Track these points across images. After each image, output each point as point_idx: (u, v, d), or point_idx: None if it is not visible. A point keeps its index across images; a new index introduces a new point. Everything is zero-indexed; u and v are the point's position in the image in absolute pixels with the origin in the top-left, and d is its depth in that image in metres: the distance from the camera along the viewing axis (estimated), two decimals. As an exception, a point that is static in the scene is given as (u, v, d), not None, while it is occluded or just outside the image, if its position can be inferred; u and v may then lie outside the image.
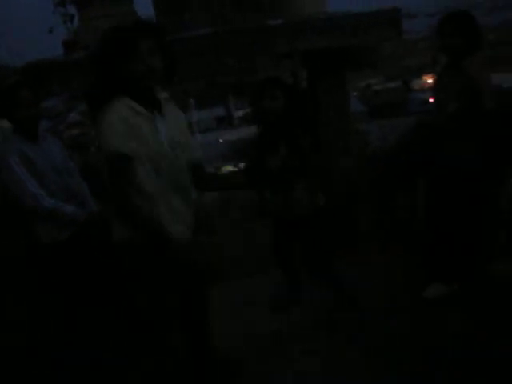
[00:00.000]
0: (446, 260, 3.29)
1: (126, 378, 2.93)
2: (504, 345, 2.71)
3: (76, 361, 2.95)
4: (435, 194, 3.17)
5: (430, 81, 28.52)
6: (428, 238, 3.40)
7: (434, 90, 3.26)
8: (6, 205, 3.40)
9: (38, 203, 2.87)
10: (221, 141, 38.07)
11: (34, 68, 4.47)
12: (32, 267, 3.31)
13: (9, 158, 2.96)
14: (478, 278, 3.25)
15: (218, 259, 4.81)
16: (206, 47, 4.15)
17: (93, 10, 5.42)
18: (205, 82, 4.24)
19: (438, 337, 2.89)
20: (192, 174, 2.48)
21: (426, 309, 3.15)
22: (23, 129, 3.11)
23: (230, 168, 30.25)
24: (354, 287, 3.46)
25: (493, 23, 63.36)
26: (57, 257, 3.01)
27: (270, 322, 3.46)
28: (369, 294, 3.45)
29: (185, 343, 2.53)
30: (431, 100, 3.29)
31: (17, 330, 3.29)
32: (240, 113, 47.17)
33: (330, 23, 4.34)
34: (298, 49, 4.19)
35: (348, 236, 4.40)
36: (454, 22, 3.10)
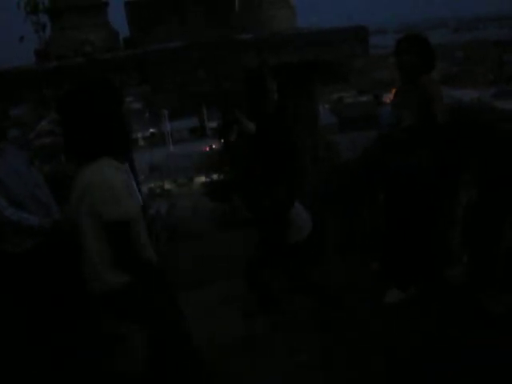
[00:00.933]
0: (401, 266, 3.46)
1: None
2: (459, 345, 2.86)
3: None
4: (392, 203, 3.34)
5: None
6: (386, 245, 3.58)
7: (392, 104, 3.45)
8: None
9: (1, 214, 2.85)
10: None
11: (3, 76, 4.47)
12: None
13: None
14: (433, 283, 3.41)
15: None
16: (177, 60, 4.24)
17: (66, 20, 5.43)
18: (178, 93, 4.31)
19: (402, 337, 3.03)
20: None
21: (388, 312, 3.29)
22: None
23: (202, 179, 30.37)
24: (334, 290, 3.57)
25: (459, 41, 65.53)
26: (21, 266, 3.00)
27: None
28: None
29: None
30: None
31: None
32: (213, 124, 47.39)
33: (299, 38, 4.49)
34: (268, 62, 4.32)
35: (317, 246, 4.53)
36: (410, 43, 3.31)
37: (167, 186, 35.21)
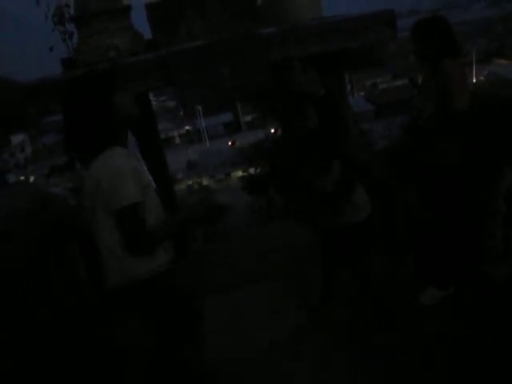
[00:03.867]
0: (440, 264, 3.27)
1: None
2: (501, 346, 2.69)
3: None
4: (425, 197, 3.16)
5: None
6: (421, 241, 3.39)
7: (416, 94, 3.26)
8: None
9: None
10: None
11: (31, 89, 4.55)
12: None
13: None
14: (473, 281, 3.22)
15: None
16: (200, 59, 4.19)
17: (91, 27, 5.48)
18: (210, 89, 4.28)
19: (436, 340, 2.87)
20: None
21: (423, 313, 3.14)
22: None
23: (239, 173, 30.47)
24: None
25: (499, 14, 62.71)
26: None
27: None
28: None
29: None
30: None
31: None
32: (248, 118, 47.38)
33: (324, 28, 4.35)
34: (292, 55, 4.21)
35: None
36: (424, 30, 3.08)
37: (205, 182, 35.55)
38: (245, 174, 24.66)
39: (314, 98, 3.17)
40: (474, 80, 41.58)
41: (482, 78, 42.55)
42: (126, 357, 3.40)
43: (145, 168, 2.39)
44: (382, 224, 4.22)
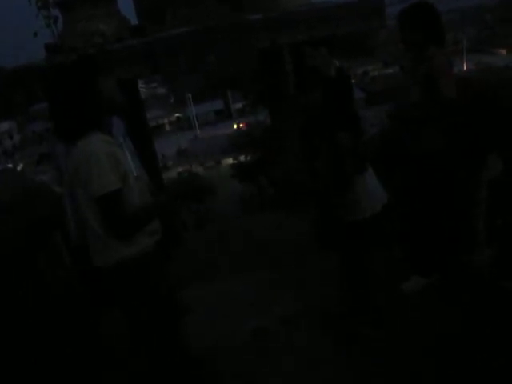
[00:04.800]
0: (422, 252, 3.29)
1: None
2: (486, 335, 2.72)
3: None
4: (409, 184, 3.16)
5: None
6: (405, 230, 3.40)
7: (404, 80, 3.25)
8: None
9: None
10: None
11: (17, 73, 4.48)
12: None
13: None
14: (456, 269, 3.23)
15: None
16: (186, 46, 4.14)
17: (76, 12, 5.39)
18: (201, 76, 4.21)
19: (420, 330, 2.89)
20: None
21: (406, 301, 3.15)
22: None
23: (230, 161, 30.33)
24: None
25: (490, 3, 62.67)
26: None
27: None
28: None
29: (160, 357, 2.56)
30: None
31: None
32: (238, 105, 47.11)
33: (312, 16, 4.32)
34: (279, 42, 4.17)
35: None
36: (411, 16, 3.05)
37: (195, 169, 35.41)
38: (235, 161, 24.59)
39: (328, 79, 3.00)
40: (465, 68, 41.59)
41: (473, 67, 42.58)
42: (110, 344, 3.41)
43: (127, 155, 2.37)
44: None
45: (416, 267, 3.27)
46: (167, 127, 53.26)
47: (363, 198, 2.84)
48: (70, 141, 2.27)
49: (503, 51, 51.62)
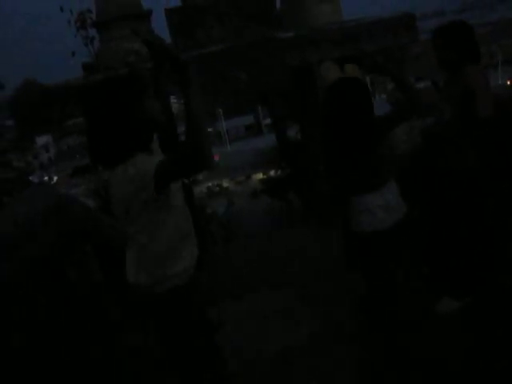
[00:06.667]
0: (455, 273, 3.21)
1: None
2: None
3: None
4: (440, 204, 3.10)
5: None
6: (436, 250, 3.32)
7: (437, 99, 3.22)
8: None
9: None
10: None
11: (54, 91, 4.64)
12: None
13: None
14: (489, 292, 3.13)
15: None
16: (218, 63, 4.22)
17: (112, 32, 5.56)
18: (231, 91, 4.28)
19: (449, 352, 2.82)
20: None
21: (437, 323, 3.07)
22: None
23: (260, 176, 30.45)
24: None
25: (527, 17, 61.40)
26: None
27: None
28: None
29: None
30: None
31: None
32: (268, 120, 47.35)
33: (342, 33, 4.34)
34: (310, 60, 4.20)
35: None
36: (445, 36, 3.04)
37: (225, 183, 35.62)
38: (265, 176, 24.65)
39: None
40: (500, 82, 40.82)
41: (508, 81, 41.74)
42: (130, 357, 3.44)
43: None
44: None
45: (448, 288, 3.19)
46: (198, 142, 53.80)
47: (380, 210, 2.80)
48: (112, 164, 2.22)
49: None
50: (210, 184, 33.33)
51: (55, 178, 44.93)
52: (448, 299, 3.14)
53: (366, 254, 2.87)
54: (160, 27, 5.45)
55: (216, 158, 39.94)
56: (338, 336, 3.22)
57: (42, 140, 53.49)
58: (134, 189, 2.14)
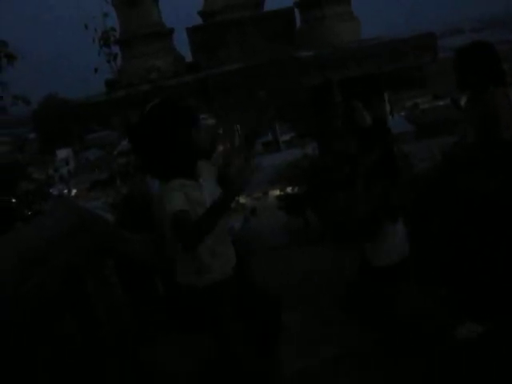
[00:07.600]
0: (477, 296, 3.13)
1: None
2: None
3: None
4: (464, 227, 3.06)
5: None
6: (460, 273, 3.26)
7: (461, 117, 3.20)
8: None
9: None
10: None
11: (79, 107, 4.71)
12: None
13: None
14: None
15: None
16: (238, 81, 4.24)
17: (134, 49, 5.66)
18: (247, 111, 4.30)
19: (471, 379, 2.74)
20: None
21: (458, 349, 3.00)
22: None
23: (277, 192, 30.35)
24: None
25: (547, 35, 60.69)
26: None
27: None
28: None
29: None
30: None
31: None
32: (286, 137, 47.44)
33: (362, 53, 4.33)
34: (330, 79, 4.20)
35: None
36: (465, 59, 3.02)
37: (242, 200, 35.61)
38: (282, 193, 24.62)
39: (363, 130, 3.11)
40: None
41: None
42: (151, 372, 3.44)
43: (205, 195, 2.50)
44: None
45: (470, 312, 3.12)
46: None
47: (392, 245, 2.89)
48: (160, 179, 2.52)
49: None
50: (226, 199, 33.31)
51: (74, 191, 45.45)
52: (470, 323, 3.07)
53: (381, 283, 2.95)
54: (182, 45, 5.53)
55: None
56: (355, 359, 3.16)
57: (62, 153, 54.27)
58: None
